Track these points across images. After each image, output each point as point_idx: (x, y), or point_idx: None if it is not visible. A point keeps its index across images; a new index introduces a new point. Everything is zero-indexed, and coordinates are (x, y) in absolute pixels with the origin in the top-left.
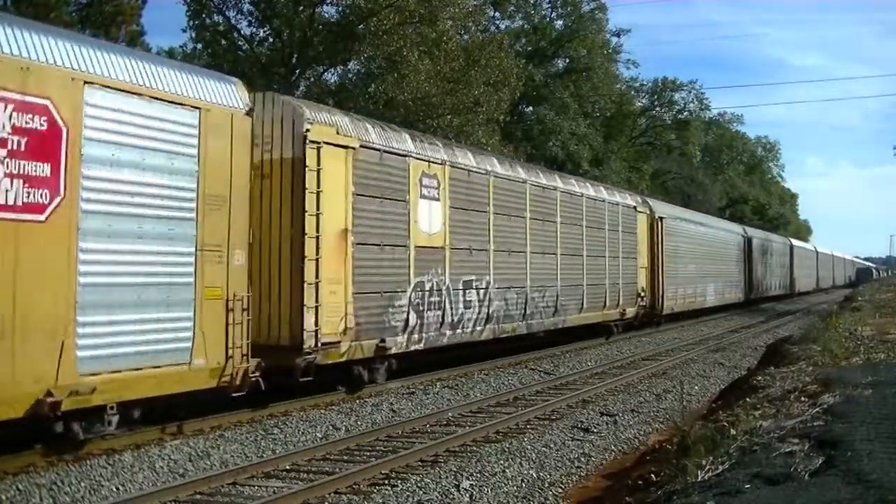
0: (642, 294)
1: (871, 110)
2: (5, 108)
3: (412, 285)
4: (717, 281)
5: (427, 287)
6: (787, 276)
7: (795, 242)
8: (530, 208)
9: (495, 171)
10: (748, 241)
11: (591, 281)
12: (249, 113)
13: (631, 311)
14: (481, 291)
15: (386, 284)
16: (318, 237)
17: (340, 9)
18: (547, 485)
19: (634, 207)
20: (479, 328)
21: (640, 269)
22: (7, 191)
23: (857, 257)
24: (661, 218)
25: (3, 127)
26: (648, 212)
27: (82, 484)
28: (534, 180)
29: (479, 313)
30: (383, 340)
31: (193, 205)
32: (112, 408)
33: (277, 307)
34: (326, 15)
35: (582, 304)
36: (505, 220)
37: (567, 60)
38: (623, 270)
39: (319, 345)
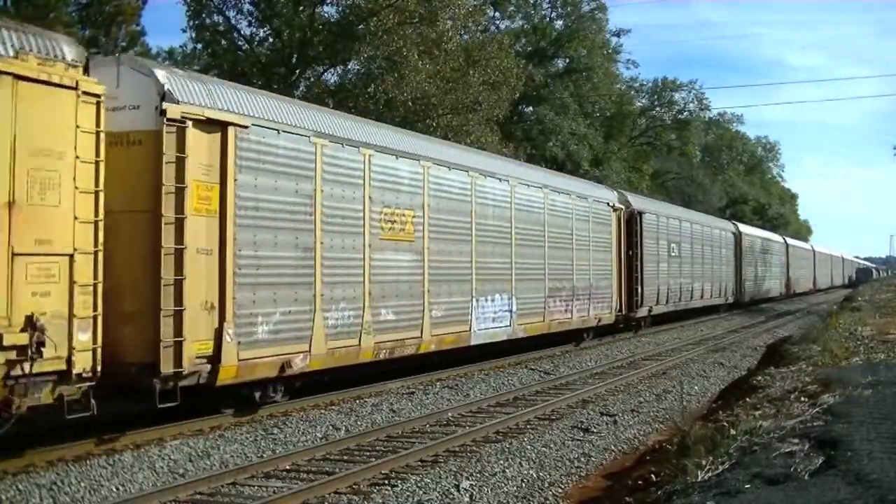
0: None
1: (871, 110)
2: None
3: None
4: (539, 285)
5: None
6: (730, 278)
7: (745, 229)
8: None
9: None
10: (634, 218)
11: None
12: None
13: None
14: None
15: None
16: None
17: (340, 9)
18: (547, 485)
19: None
20: None
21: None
22: None
23: (857, 257)
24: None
25: None
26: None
27: (82, 484)
28: None
29: None
30: None
31: None
32: None
33: None
34: (326, 15)
35: None
36: None
37: (567, 60)
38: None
39: None
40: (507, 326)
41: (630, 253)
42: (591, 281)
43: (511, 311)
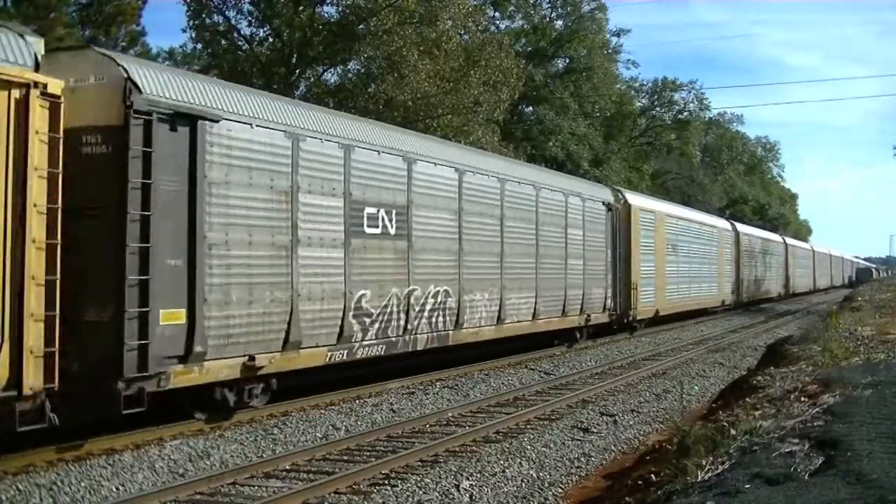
0: None
1: (870, 110)
2: None
3: None
4: None
5: None
6: (599, 281)
7: (641, 201)
8: None
9: None
10: (192, 132)
11: None
12: None
13: None
14: None
15: None
16: None
17: (340, 9)
18: (547, 485)
19: None
20: None
21: None
22: None
23: (857, 257)
24: None
25: None
26: None
27: (82, 484)
28: None
29: None
30: None
31: None
32: None
33: None
34: (326, 15)
35: None
36: None
37: (567, 60)
38: None
39: None
40: None
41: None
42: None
43: None
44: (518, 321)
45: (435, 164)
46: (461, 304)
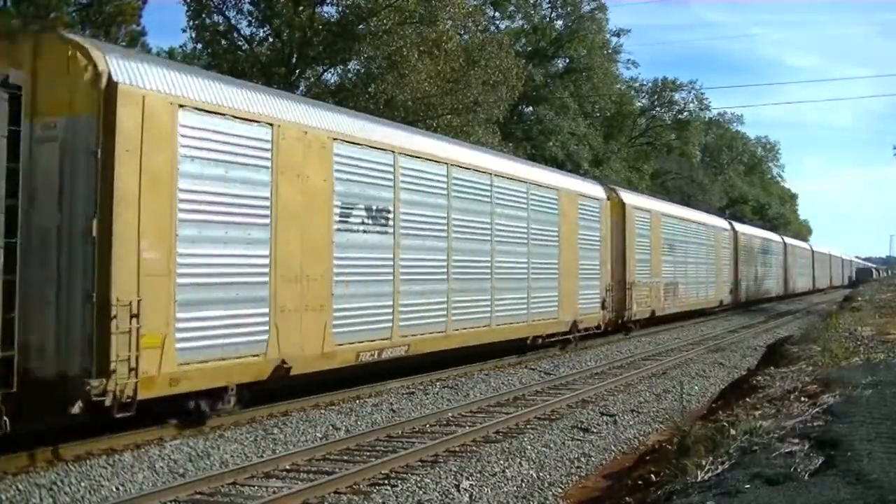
0: None
1: (870, 110)
2: None
3: None
4: None
5: None
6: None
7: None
8: None
9: None
10: None
11: None
12: None
13: None
14: None
15: None
16: None
17: (340, 9)
18: (547, 485)
19: None
20: None
21: None
22: None
23: (857, 257)
24: None
25: None
26: None
27: (82, 484)
28: None
29: None
30: None
31: None
32: None
33: None
34: (326, 15)
35: None
36: None
37: (567, 60)
38: None
39: None
40: None
41: None
42: None
43: None
44: None
45: None
46: None
